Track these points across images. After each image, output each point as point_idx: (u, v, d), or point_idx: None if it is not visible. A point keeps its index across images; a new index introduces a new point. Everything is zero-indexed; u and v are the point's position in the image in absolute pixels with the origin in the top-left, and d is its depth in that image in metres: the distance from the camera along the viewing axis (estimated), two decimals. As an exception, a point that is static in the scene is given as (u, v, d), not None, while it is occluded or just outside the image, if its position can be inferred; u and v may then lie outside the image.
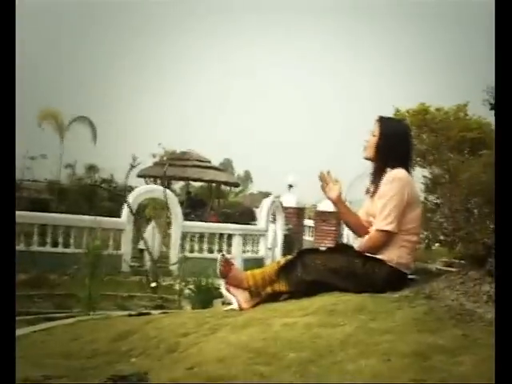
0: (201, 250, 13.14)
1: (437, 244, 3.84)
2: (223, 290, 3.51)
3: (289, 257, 3.45)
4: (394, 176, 3.39)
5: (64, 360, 2.79)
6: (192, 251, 12.96)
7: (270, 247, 15.35)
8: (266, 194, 18.65)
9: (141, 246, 11.27)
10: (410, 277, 3.50)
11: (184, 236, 13.18)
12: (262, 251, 14.94)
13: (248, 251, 14.51)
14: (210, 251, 13.45)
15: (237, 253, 13.92)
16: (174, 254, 11.71)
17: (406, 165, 3.52)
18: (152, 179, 23.06)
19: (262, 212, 16.12)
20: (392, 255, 3.33)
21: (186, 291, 8.12)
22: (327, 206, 19.70)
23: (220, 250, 13.70)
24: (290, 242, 17.81)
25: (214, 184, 23.74)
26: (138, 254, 12.21)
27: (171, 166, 20.91)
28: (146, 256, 10.61)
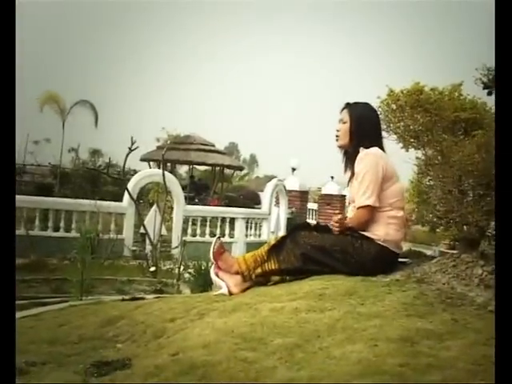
0: (203, 234, 13.13)
1: (421, 226, 3.80)
2: (212, 275, 3.49)
3: (279, 237, 3.44)
4: (366, 152, 3.42)
5: (49, 346, 2.76)
6: (194, 235, 12.95)
7: (273, 231, 15.34)
8: (272, 178, 18.57)
9: (142, 230, 11.26)
10: (401, 260, 3.48)
11: (186, 220, 13.17)
12: (264, 235, 14.92)
13: (251, 235, 14.49)
14: (212, 235, 13.42)
15: (239, 237, 13.92)
16: (176, 238, 11.68)
17: (379, 143, 3.55)
18: (156, 163, 23.08)
19: (264, 196, 16.08)
20: (379, 232, 3.32)
21: (186, 275, 8.12)
22: (331, 189, 19.72)
23: (223, 235, 13.70)
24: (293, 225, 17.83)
25: (217, 168, 23.69)
26: (140, 239, 12.22)
27: (174, 150, 20.93)
28: (147, 240, 10.59)
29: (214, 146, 23.10)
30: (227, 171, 25.95)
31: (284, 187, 17.21)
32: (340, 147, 3.64)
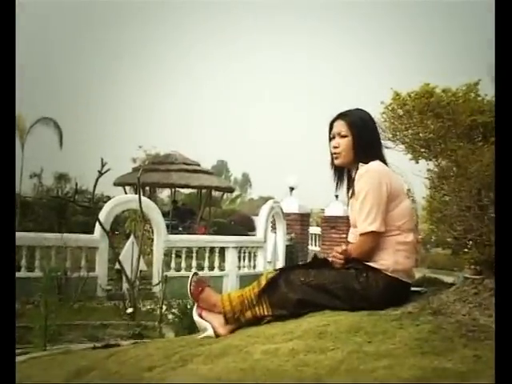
0: (188, 268, 13.09)
1: (441, 249, 3.80)
2: (194, 316, 3.49)
3: (270, 275, 3.43)
4: (366, 169, 3.42)
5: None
6: (178, 269, 12.93)
7: (270, 261, 15.33)
8: (268, 200, 18.58)
9: (118, 266, 11.23)
10: (415, 289, 3.47)
11: (169, 252, 13.15)
12: (260, 266, 14.90)
13: (244, 267, 14.47)
14: (200, 268, 13.41)
15: (231, 269, 13.90)
16: (157, 274, 11.65)
17: (380, 155, 3.57)
18: (132, 187, 23.08)
19: (259, 220, 16.10)
20: (387, 262, 3.32)
21: (170, 316, 8.07)
22: (336, 210, 19.76)
23: (211, 267, 13.67)
24: (293, 253, 17.79)
25: (204, 190, 23.74)
26: (116, 276, 12.17)
27: (153, 172, 21.01)
28: (124, 277, 10.56)
29: (198, 165, 23.20)
30: (215, 194, 26.03)
31: (281, 210, 17.23)
32: (339, 166, 3.65)
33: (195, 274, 3.57)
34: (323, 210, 22.51)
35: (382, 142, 3.73)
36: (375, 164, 3.45)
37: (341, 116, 3.63)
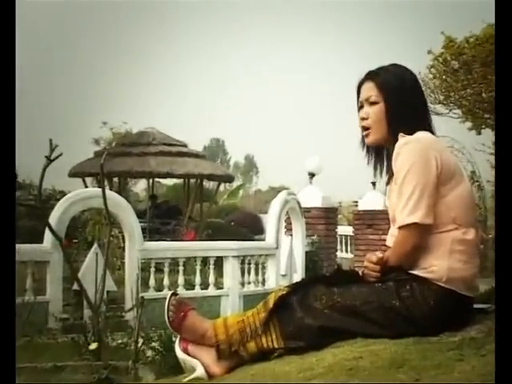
0: (173, 286, 13.10)
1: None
2: (177, 352, 3.50)
3: (280, 293, 3.42)
4: (406, 140, 3.40)
5: None
6: (160, 289, 12.90)
7: (285, 274, 15.31)
8: (280, 191, 18.52)
9: (76, 286, 11.24)
10: (478, 306, 3.46)
11: (146, 265, 13.13)
12: (271, 281, 14.88)
13: (250, 283, 14.45)
14: (189, 285, 13.41)
15: (232, 286, 13.87)
16: (130, 295, 11.65)
17: (426, 123, 3.58)
18: (95, 178, 23.13)
19: (269, 219, 16.09)
20: (438, 267, 3.31)
21: (148, 353, 8.08)
22: (373, 202, 19.75)
23: (204, 285, 13.68)
24: (317, 263, 17.79)
25: (193, 180, 23.76)
26: (74, 300, 12.18)
27: (123, 157, 21.03)
28: (85, 301, 10.57)
29: (185, 145, 23.26)
30: (209, 184, 26.09)
31: (299, 204, 17.21)
32: (372, 144, 3.67)
33: (174, 294, 3.57)
34: (356, 202, 22.52)
35: (430, 107, 3.72)
36: (419, 134, 3.45)
37: (369, 75, 3.64)
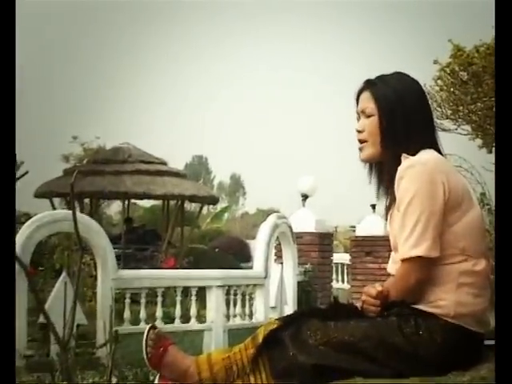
0: (151, 319, 13.04)
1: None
2: None
3: (270, 327, 3.41)
4: (410, 163, 3.38)
5: None
6: (136, 322, 12.84)
7: (275, 306, 15.29)
8: (270, 214, 18.47)
9: (43, 319, 11.20)
10: (489, 343, 3.46)
11: (121, 295, 13.08)
12: (259, 314, 14.85)
13: (235, 315, 14.40)
14: (168, 319, 13.36)
15: (216, 319, 13.82)
16: (103, 330, 11.62)
17: (432, 141, 3.56)
18: (63, 199, 23.08)
19: (257, 246, 16.07)
20: (446, 302, 3.31)
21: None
22: (373, 227, 19.74)
23: (185, 318, 13.64)
24: (310, 294, 17.76)
25: (173, 201, 23.74)
26: (40, 335, 12.12)
27: (96, 176, 21.00)
28: (52, 336, 10.53)
29: (164, 163, 23.21)
30: (190, 206, 26.06)
31: (290, 229, 17.21)
32: (366, 160, 3.67)
33: (152, 327, 3.55)
34: (353, 227, 22.51)
35: (436, 122, 3.73)
36: (425, 155, 3.44)
37: (367, 85, 3.65)
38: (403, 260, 3.35)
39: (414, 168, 3.36)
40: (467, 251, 3.36)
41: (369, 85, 3.62)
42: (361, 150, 3.63)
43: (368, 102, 3.57)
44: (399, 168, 3.41)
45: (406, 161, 3.40)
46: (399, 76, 3.63)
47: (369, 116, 3.57)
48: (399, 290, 3.35)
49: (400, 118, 3.51)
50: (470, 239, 3.38)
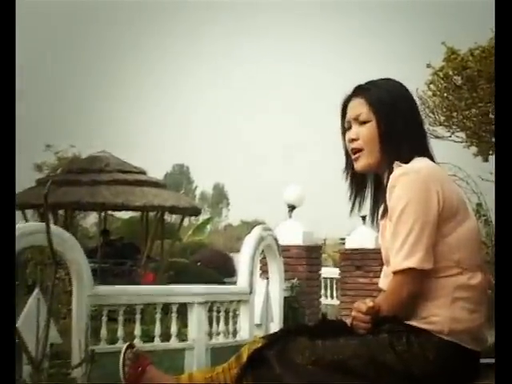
0: (129, 337, 13.01)
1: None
2: None
3: (254, 345, 3.41)
4: (403, 170, 3.39)
5: None
6: (113, 341, 12.81)
7: (260, 323, 15.26)
8: (254, 226, 18.44)
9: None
10: (485, 361, 3.46)
11: (98, 312, 13.05)
12: (244, 332, 14.82)
13: (219, 333, 14.38)
14: (147, 337, 13.34)
15: (197, 338, 13.79)
16: (78, 349, 11.59)
17: (423, 150, 3.57)
18: (36, 211, 23.00)
19: (242, 259, 16.06)
20: (439, 318, 3.30)
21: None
22: (364, 240, 19.77)
23: (165, 336, 13.61)
24: (297, 310, 17.75)
25: (152, 213, 23.71)
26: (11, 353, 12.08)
27: (72, 186, 20.94)
28: (24, 356, 10.48)
29: (143, 172, 23.18)
30: (171, 218, 25.99)
31: (276, 241, 17.20)
32: (363, 171, 3.65)
33: (130, 346, 3.54)
34: (343, 239, 22.54)
35: (429, 129, 3.74)
36: (419, 163, 3.44)
37: (358, 91, 3.64)
38: (395, 272, 3.34)
39: (407, 176, 3.36)
40: (462, 264, 3.35)
41: (360, 91, 3.61)
42: (356, 160, 3.60)
43: (362, 108, 3.56)
44: (391, 176, 3.41)
45: (399, 168, 3.40)
46: (388, 81, 3.64)
47: (364, 123, 3.55)
48: (391, 304, 3.34)
49: (397, 124, 3.51)
50: (466, 251, 3.37)
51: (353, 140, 3.59)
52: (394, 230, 3.36)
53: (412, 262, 3.27)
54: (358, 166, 3.61)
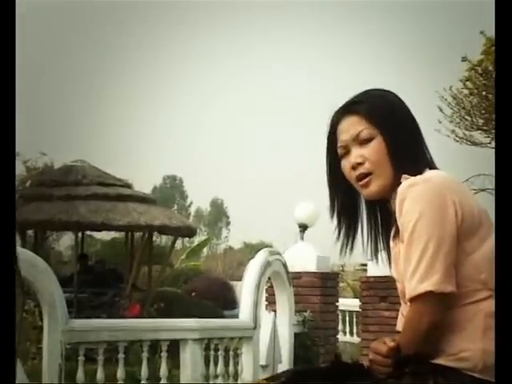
0: (110, 380, 13.03)
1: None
2: None
3: None
4: (413, 181, 3.37)
5: None
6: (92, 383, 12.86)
7: (266, 364, 15.27)
8: (260, 249, 18.46)
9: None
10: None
11: (73, 353, 13.07)
12: (247, 374, 14.83)
13: (217, 376, 14.39)
14: (133, 380, 13.33)
15: (192, 380, 13.81)
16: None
17: (430, 161, 3.61)
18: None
19: (244, 289, 16.07)
20: (471, 353, 3.28)
21: None
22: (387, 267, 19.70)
23: (153, 379, 13.62)
24: (309, 348, 17.75)
25: (138, 234, 23.74)
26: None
27: (43, 201, 20.97)
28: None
29: (128, 185, 23.21)
30: (161, 240, 26.04)
31: (285, 267, 17.23)
32: (376, 196, 3.62)
33: None
34: (365, 265, 22.52)
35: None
36: (429, 173, 3.45)
37: (348, 108, 3.63)
38: (411, 300, 3.30)
39: (417, 186, 3.33)
40: (491, 285, 3.31)
41: (351, 107, 3.60)
42: (365, 186, 3.56)
43: (359, 126, 3.54)
44: (398, 189, 3.38)
45: (407, 180, 3.38)
46: (374, 90, 3.66)
47: (366, 142, 3.53)
48: (410, 339, 3.31)
49: (403, 132, 3.54)
50: (487, 271, 3.33)
51: (359, 165, 3.55)
52: (406, 251, 3.32)
53: (430, 285, 3.22)
54: (370, 192, 3.57)
